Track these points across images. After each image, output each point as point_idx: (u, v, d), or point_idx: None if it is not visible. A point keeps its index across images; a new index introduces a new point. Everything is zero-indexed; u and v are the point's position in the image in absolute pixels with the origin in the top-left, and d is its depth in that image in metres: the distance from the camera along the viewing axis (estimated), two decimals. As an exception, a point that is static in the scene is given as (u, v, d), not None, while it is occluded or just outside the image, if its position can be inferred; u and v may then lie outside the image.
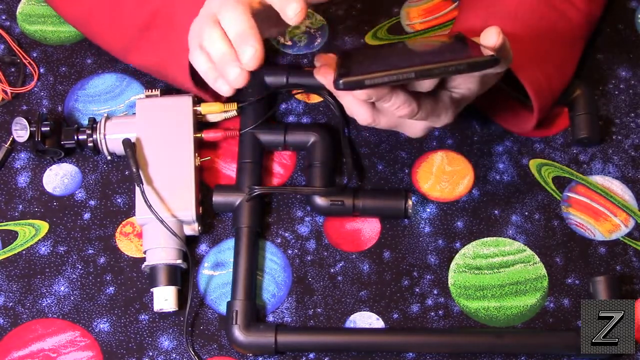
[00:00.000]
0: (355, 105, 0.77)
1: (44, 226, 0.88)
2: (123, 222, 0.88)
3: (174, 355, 0.83)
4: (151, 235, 0.84)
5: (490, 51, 0.69)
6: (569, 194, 0.89)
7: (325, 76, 0.75)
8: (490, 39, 0.72)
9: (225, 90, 0.77)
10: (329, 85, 0.75)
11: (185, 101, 0.88)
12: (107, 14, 0.86)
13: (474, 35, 0.78)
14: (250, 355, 0.82)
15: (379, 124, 0.79)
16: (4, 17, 0.98)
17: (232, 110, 0.89)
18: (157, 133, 0.87)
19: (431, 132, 0.90)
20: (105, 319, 0.84)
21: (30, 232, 0.88)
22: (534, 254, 0.86)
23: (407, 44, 0.79)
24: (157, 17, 0.83)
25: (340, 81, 0.69)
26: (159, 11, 0.83)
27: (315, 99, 0.93)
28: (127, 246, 0.87)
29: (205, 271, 0.86)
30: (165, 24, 0.83)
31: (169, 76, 0.86)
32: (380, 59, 0.75)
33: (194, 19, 0.79)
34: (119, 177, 0.90)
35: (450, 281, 0.85)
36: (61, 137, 0.88)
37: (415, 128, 0.81)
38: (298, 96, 0.93)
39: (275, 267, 0.86)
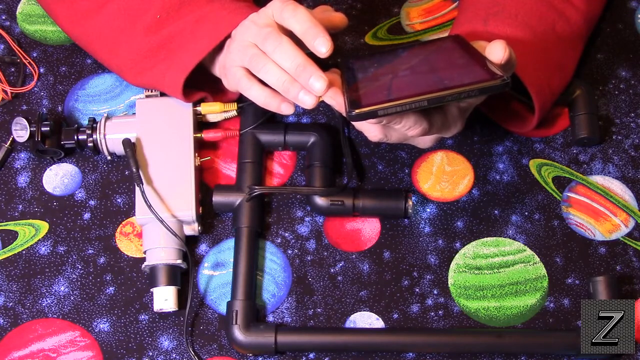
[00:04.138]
0: (365, 123, 0.77)
1: (44, 226, 0.88)
2: (123, 222, 0.88)
3: (174, 355, 0.83)
4: (151, 235, 0.84)
5: (497, 69, 0.69)
6: (569, 194, 0.89)
7: (334, 98, 0.75)
8: (497, 54, 0.72)
9: (291, 112, 0.80)
10: (339, 108, 0.75)
11: (185, 101, 0.88)
12: (111, 39, 0.86)
13: (473, 38, 0.78)
14: (250, 355, 0.82)
15: (390, 139, 0.79)
16: (4, 17, 0.98)
17: (232, 110, 0.89)
18: (157, 133, 0.87)
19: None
20: (105, 319, 0.84)
21: (30, 232, 0.88)
22: (534, 254, 0.86)
23: (411, 54, 0.79)
24: (165, 44, 0.83)
25: (353, 113, 0.69)
26: (169, 39, 0.83)
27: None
28: (127, 246, 0.87)
29: (205, 271, 0.86)
30: (171, 50, 0.83)
31: (161, 90, 0.87)
32: (387, 79, 0.75)
33: (209, 45, 0.81)
34: (119, 177, 0.90)
35: (450, 281, 0.85)
36: (61, 137, 0.88)
37: (425, 140, 0.82)
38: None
39: (275, 267, 0.86)
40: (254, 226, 0.86)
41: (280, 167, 0.90)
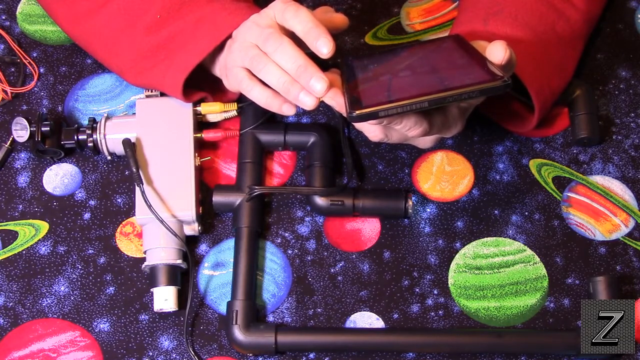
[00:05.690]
0: (366, 124, 0.78)
1: (44, 226, 0.88)
2: (123, 222, 0.88)
3: (174, 355, 0.83)
4: (151, 235, 0.84)
5: (498, 69, 0.69)
6: (569, 194, 0.89)
7: (335, 99, 0.75)
8: (497, 54, 0.72)
9: (292, 113, 0.80)
10: (340, 108, 0.75)
11: (185, 101, 0.88)
12: (111, 39, 0.86)
13: (473, 38, 0.78)
14: (250, 355, 0.82)
15: (391, 139, 0.79)
16: (4, 17, 0.98)
17: (232, 110, 0.89)
18: (157, 133, 0.87)
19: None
20: (105, 319, 0.84)
21: (30, 232, 0.88)
22: (534, 254, 0.86)
23: (411, 55, 0.79)
24: (166, 44, 0.83)
25: (354, 114, 0.69)
26: (169, 39, 0.83)
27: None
28: (127, 246, 0.87)
29: (205, 271, 0.86)
30: (171, 51, 0.83)
31: (161, 90, 0.87)
32: (388, 79, 0.75)
33: (212, 46, 0.81)
34: (119, 177, 0.90)
35: (450, 281, 0.85)
36: (61, 137, 0.88)
37: (425, 141, 0.82)
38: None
39: (275, 267, 0.86)
40: (254, 226, 0.86)
41: (280, 167, 0.90)
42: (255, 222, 0.86)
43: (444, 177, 0.89)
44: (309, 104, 0.75)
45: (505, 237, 0.87)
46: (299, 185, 0.90)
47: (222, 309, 0.84)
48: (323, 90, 0.74)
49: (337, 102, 0.75)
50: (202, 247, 0.87)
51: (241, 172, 0.88)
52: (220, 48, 0.83)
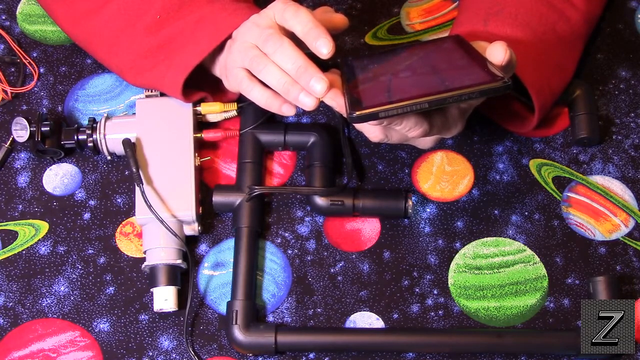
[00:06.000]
0: (366, 124, 0.78)
1: (44, 226, 0.88)
2: (123, 222, 0.88)
3: (174, 355, 0.83)
4: (151, 235, 0.84)
5: (498, 70, 0.69)
6: (569, 194, 0.89)
7: (335, 100, 0.75)
8: (498, 55, 0.72)
9: (291, 113, 0.80)
10: (340, 109, 0.75)
11: (185, 101, 0.88)
12: (111, 39, 0.86)
13: (473, 38, 0.78)
14: (250, 355, 0.82)
15: (391, 140, 0.80)
16: (4, 17, 0.98)
17: (232, 110, 0.89)
18: (157, 133, 0.87)
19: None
20: (105, 319, 0.84)
21: (30, 232, 0.88)
22: (534, 254, 0.86)
23: (411, 55, 0.79)
24: (165, 44, 0.83)
25: (354, 115, 0.69)
26: (169, 39, 0.83)
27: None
28: (127, 246, 0.87)
29: (205, 271, 0.86)
30: (171, 51, 0.83)
31: (161, 90, 0.87)
32: (388, 80, 0.75)
33: (212, 46, 0.81)
34: (119, 177, 0.90)
35: (450, 281, 0.85)
36: (61, 137, 0.88)
37: (425, 141, 0.82)
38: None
39: (275, 267, 0.86)
40: (254, 226, 0.86)
41: (280, 167, 0.90)
42: (255, 222, 0.86)
43: (444, 177, 0.89)
44: (309, 104, 0.75)
45: (505, 237, 0.87)
46: (299, 185, 0.90)
47: (222, 309, 0.84)
48: (323, 91, 0.74)
49: (337, 102, 0.75)
50: (202, 247, 0.87)
51: (241, 172, 0.88)
52: (220, 48, 0.83)
